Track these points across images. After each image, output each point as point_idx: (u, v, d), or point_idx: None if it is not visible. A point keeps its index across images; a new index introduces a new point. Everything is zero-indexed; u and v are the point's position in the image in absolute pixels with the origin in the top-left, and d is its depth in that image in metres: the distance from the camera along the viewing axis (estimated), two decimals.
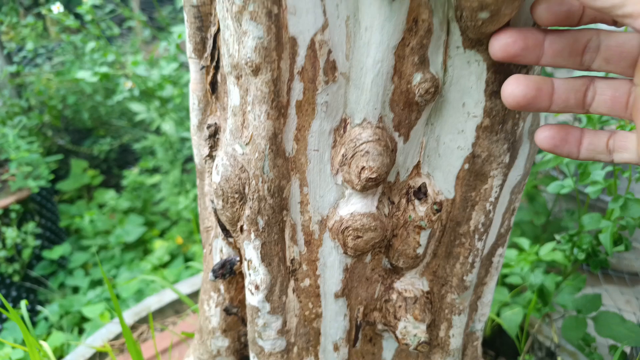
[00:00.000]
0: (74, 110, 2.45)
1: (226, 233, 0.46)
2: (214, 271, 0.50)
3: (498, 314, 0.95)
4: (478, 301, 0.50)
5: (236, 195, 0.38)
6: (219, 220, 0.46)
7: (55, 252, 1.93)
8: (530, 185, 1.35)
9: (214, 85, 0.44)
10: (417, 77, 0.35)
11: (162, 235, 2.24)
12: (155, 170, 2.38)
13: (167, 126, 1.70)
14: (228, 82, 0.36)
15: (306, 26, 0.32)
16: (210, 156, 0.47)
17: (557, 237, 0.93)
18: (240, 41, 0.32)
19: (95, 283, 1.94)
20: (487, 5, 0.30)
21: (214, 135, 0.46)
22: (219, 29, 0.41)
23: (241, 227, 0.41)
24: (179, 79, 1.70)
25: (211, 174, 0.48)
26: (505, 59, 0.32)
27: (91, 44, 1.44)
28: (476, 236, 0.43)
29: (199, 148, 0.48)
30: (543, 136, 0.34)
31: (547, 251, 1.02)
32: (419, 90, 0.36)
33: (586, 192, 0.80)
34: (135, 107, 1.75)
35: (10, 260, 1.82)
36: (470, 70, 0.36)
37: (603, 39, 0.32)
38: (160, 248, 1.86)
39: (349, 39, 0.34)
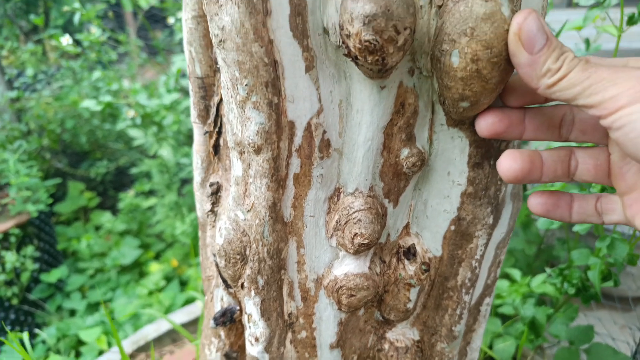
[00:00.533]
0: (72, 134, 2.48)
1: (227, 285, 0.49)
2: (215, 319, 0.52)
3: (490, 346, 0.97)
4: (467, 347, 0.53)
5: (238, 257, 0.41)
6: (220, 273, 0.49)
7: (53, 275, 1.94)
8: (524, 214, 1.38)
9: (216, 148, 0.47)
10: (405, 152, 0.38)
11: (157, 257, 2.25)
12: (151, 193, 2.40)
13: (165, 152, 1.73)
14: (231, 155, 0.39)
15: (303, 112, 0.35)
16: (212, 211, 0.49)
17: (548, 270, 0.96)
18: (243, 124, 0.36)
19: (92, 306, 1.95)
20: (467, 97, 0.33)
21: (215, 193, 0.48)
22: (221, 99, 0.45)
23: (242, 284, 0.43)
24: (177, 105, 1.74)
25: (213, 226, 0.51)
26: (491, 136, 0.35)
27: (96, 74, 1.47)
28: (463, 290, 0.46)
29: (201, 203, 0.51)
30: (535, 203, 0.36)
31: (538, 283, 1.05)
32: (406, 163, 0.39)
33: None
34: (134, 132, 1.78)
35: (9, 283, 1.83)
36: (454, 144, 0.39)
37: (576, 113, 0.35)
38: (156, 272, 1.87)
39: (342, 120, 0.37)
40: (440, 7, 0.31)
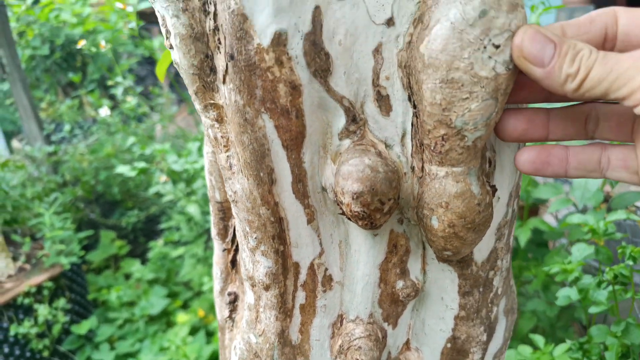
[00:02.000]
0: (105, 185, 2.60)
1: None
2: None
3: None
4: None
5: None
6: None
7: (83, 327, 2.01)
8: (543, 276, 1.38)
9: (233, 263, 0.52)
10: (400, 284, 0.43)
11: (184, 306, 2.30)
12: (179, 242, 2.48)
13: (192, 209, 1.81)
14: (245, 284, 0.44)
15: (306, 254, 0.40)
16: (230, 317, 0.54)
17: (569, 342, 0.96)
18: (254, 264, 0.40)
19: (120, 357, 2.00)
20: (448, 249, 0.37)
21: (233, 302, 0.53)
22: None
23: None
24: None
25: (231, 330, 0.55)
26: (513, 140, 0.35)
27: (131, 139, 1.57)
28: None
29: (220, 309, 0.56)
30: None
31: (561, 352, 1.05)
32: (402, 293, 0.43)
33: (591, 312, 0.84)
34: (163, 189, 1.87)
35: (40, 336, 1.91)
36: (444, 275, 0.43)
37: (599, 108, 0.34)
38: (183, 326, 1.92)
39: (342, 256, 0.42)
40: (420, 178, 0.36)
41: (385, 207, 0.34)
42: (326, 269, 0.41)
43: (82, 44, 1.85)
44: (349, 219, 0.36)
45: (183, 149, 2.38)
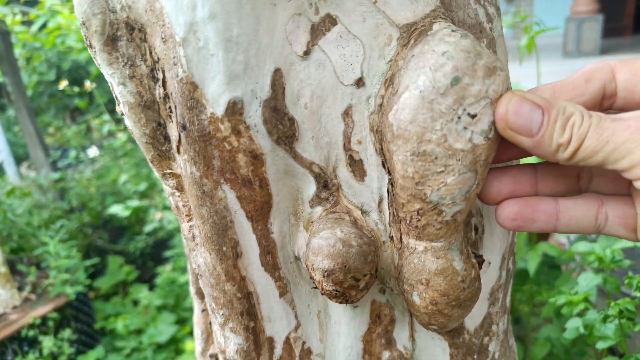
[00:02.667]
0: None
1: None
2: None
3: None
4: None
5: None
6: None
7: (90, 358, 1.98)
8: (554, 307, 1.32)
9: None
10: (386, 355, 0.39)
11: (192, 333, 2.26)
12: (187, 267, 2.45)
13: None
14: (219, 356, 0.41)
15: (281, 328, 0.37)
16: None
17: None
18: (224, 339, 0.37)
19: None
20: (433, 324, 0.33)
21: None
22: None
23: None
24: None
25: None
26: (498, 203, 0.31)
27: (123, 177, 1.55)
28: None
29: None
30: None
31: None
32: None
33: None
34: (159, 224, 1.86)
35: None
36: (434, 343, 0.39)
37: None
38: (191, 354, 1.89)
39: (322, 327, 0.38)
40: (399, 249, 0.32)
41: (361, 283, 0.31)
42: (304, 342, 0.38)
43: (63, 85, 1.85)
44: (322, 294, 0.33)
45: None
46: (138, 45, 0.29)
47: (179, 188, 0.34)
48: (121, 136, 1.82)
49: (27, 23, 3.27)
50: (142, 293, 2.39)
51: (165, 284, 2.40)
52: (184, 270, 2.45)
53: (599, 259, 0.90)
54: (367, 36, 0.30)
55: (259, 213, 0.32)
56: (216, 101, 0.28)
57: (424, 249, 0.30)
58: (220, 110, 0.29)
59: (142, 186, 1.66)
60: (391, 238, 0.33)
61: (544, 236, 1.51)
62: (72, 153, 2.55)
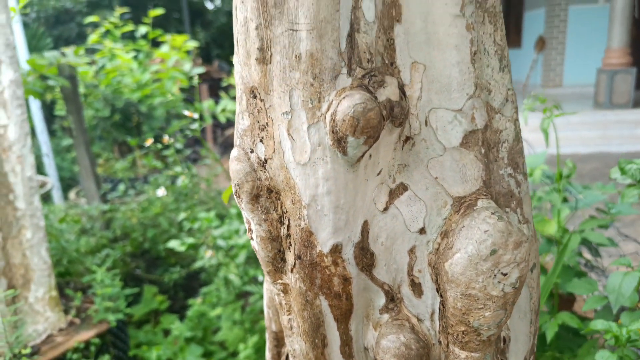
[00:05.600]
0: (152, 241, 2.75)
1: None
2: None
3: None
4: None
5: None
6: None
7: None
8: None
9: None
10: None
11: None
12: (217, 302, 2.57)
13: (232, 276, 1.91)
14: None
15: None
16: None
17: None
18: None
19: None
20: None
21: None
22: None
23: None
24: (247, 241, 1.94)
25: None
26: None
27: (182, 214, 1.71)
28: None
29: None
30: None
31: None
32: None
33: None
34: (209, 262, 1.99)
35: None
36: None
37: None
38: None
39: None
40: (445, 352, 0.44)
41: None
42: None
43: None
44: None
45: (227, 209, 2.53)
46: (273, 202, 0.42)
47: (284, 291, 0.46)
48: (184, 179, 1.99)
49: (89, 63, 3.55)
50: (174, 324, 2.51)
51: (195, 316, 2.52)
52: (214, 305, 2.57)
53: (615, 337, 0.98)
54: (429, 200, 0.42)
55: (343, 317, 0.45)
56: (324, 244, 0.41)
57: (465, 357, 0.41)
58: (326, 250, 0.41)
59: (197, 224, 1.81)
60: (439, 342, 0.45)
61: (566, 304, 1.58)
62: (121, 187, 2.74)
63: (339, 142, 0.38)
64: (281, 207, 0.42)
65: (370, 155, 0.40)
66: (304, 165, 0.40)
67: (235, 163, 0.42)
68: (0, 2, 1.95)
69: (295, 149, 0.40)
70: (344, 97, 0.38)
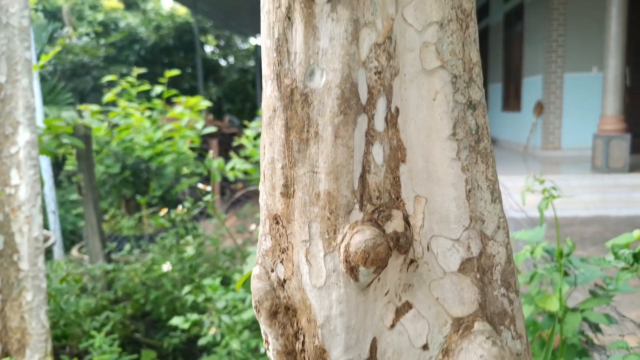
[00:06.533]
0: (154, 304, 2.75)
1: None
2: None
3: None
4: None
5: None
6: None
7: None
8: None
9: None
10: None
11: None
12: None
13: (235, 345, 1.91)
14: None
15: None
16: None
17: None
18: None
19: None
20: None
21: None
22: None
23: None
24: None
25: None
26: None
27: (186, 288, 1.73)
28: None
29: None
30: None
31: None
32: None
33: None
34: (213, 340, 1.99)
35: None
36: None
37: None
38: None
39: None
40: None
41: None
42: None
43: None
44: None
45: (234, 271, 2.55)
46: (290, 318, 0.47)
47: None
48: (190, 250, 2.03)
49: (103, 120, 3.69)
50: None
51: None
52: None
53: None
54: (431, 318, 0.47)
55: None
56: None
57: None
58: None
59: (201, 297, 1.83)
60: None
61: None
62: (127, 247, 2.77)
63: (352, 270, 0.43)
64: (297, 323, 0.47)
65: (379, 279, 0.45)
66: (320, 289, 0.45)
67: (257, 281, 0.47)
68: (24, 67, 2.07)
69: (312, 273, 0.45)
70: (356, 232, 0.43)
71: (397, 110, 0.46)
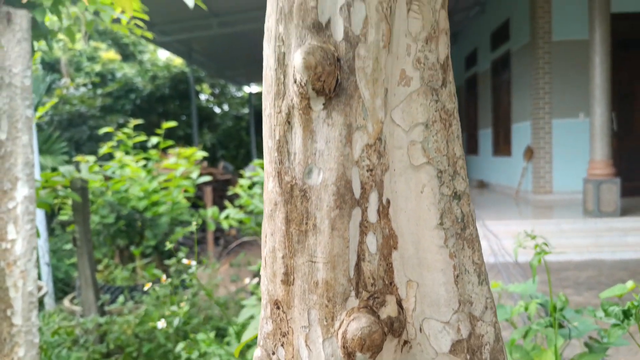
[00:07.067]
0: (147, 357, 2.70)
1: None
2: None
3: None
4: None
5: None
6: None
7: None
8: None
9: None
10: None
11: None
12: None
13: None
14: None
15: None
16: None
17: None
18: None
19: None
20: None
21: None
22: None
23: None
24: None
25: None
26: None
27: (180, 345, 1.72)
28: None
29: None
30: None
31: None
32: None
33: None
34: None
35: None
36: None
37: None
38: None
39: None
40: None
41: None
42: None
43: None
44: None
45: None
46: None
47: None
48: (183, 305, 2.03)
49: (98, 172, 3.73)
50: None
51: None
52: None
53: None
54: None
55: None
56: None
57: None
58: None
59: (195, 355, 1.82)
60: None
61: None
62: (121, 299, 2.75)
63: (349, 356, 0.46)
64: None
65: None
66: None
67: None
68: (25, 124, 2.12)
69: (312, 358, 0.48)
70: (352, 319, 0.46)
71: (388, 201, 0.50)
